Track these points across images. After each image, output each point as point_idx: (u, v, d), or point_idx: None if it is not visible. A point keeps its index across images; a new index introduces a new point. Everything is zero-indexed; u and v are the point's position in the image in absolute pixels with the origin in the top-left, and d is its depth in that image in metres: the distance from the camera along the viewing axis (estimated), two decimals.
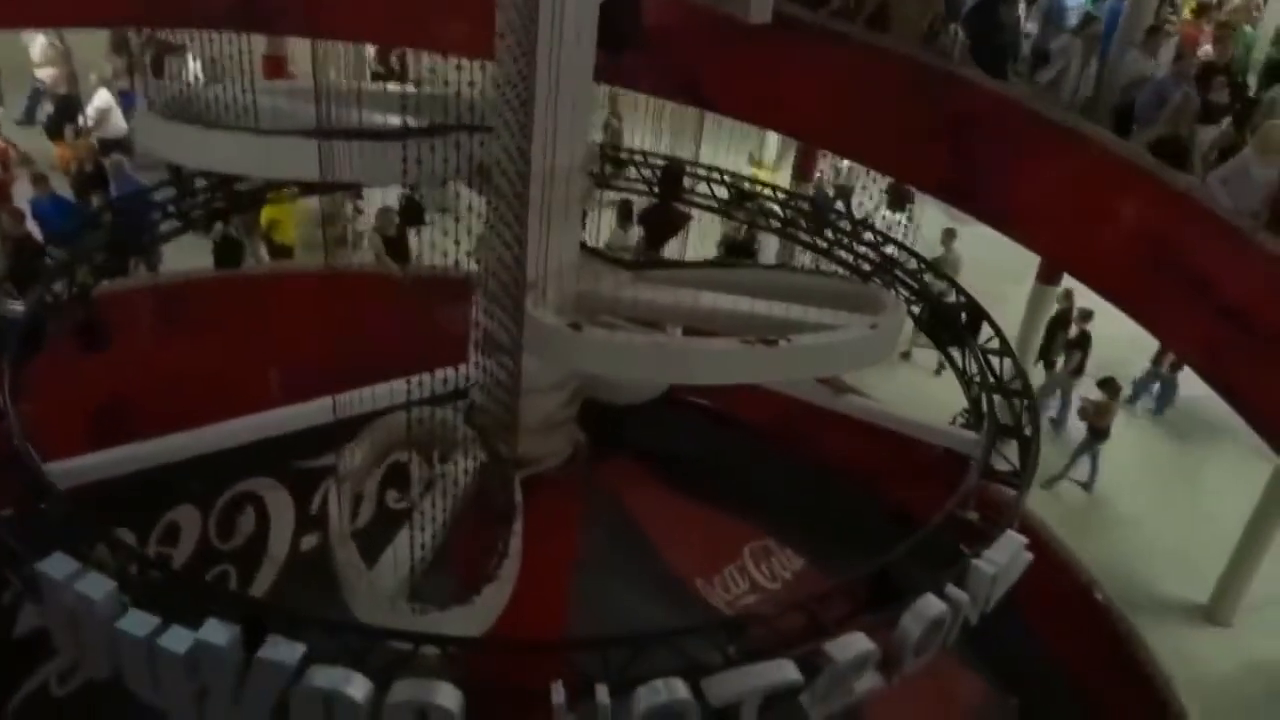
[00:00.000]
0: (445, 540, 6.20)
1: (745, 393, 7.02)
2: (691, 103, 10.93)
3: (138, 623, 4.03)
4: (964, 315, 7.21)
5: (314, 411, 6.47)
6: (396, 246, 12.16)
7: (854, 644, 4.72)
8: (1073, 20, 9.39)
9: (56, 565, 4.08)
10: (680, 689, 4.41)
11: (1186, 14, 10.24)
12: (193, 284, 10.21)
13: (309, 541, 10.61)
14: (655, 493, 10.85)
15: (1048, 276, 11.68)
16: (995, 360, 6.84)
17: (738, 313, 6.28)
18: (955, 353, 6.96)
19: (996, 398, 6.51)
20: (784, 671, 4.57)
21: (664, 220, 8.91)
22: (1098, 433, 12.51)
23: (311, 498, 10.63)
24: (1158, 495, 12.39)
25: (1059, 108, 8.42)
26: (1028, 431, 6.27)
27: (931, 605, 4.94)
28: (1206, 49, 8.86)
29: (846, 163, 15.75)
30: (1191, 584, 10.75)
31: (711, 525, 11.08)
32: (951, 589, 5.06)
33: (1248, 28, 9.76)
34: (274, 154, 5.70)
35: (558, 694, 4.28)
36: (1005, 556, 5.30)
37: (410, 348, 8.88)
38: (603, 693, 4.30)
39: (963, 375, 6.97)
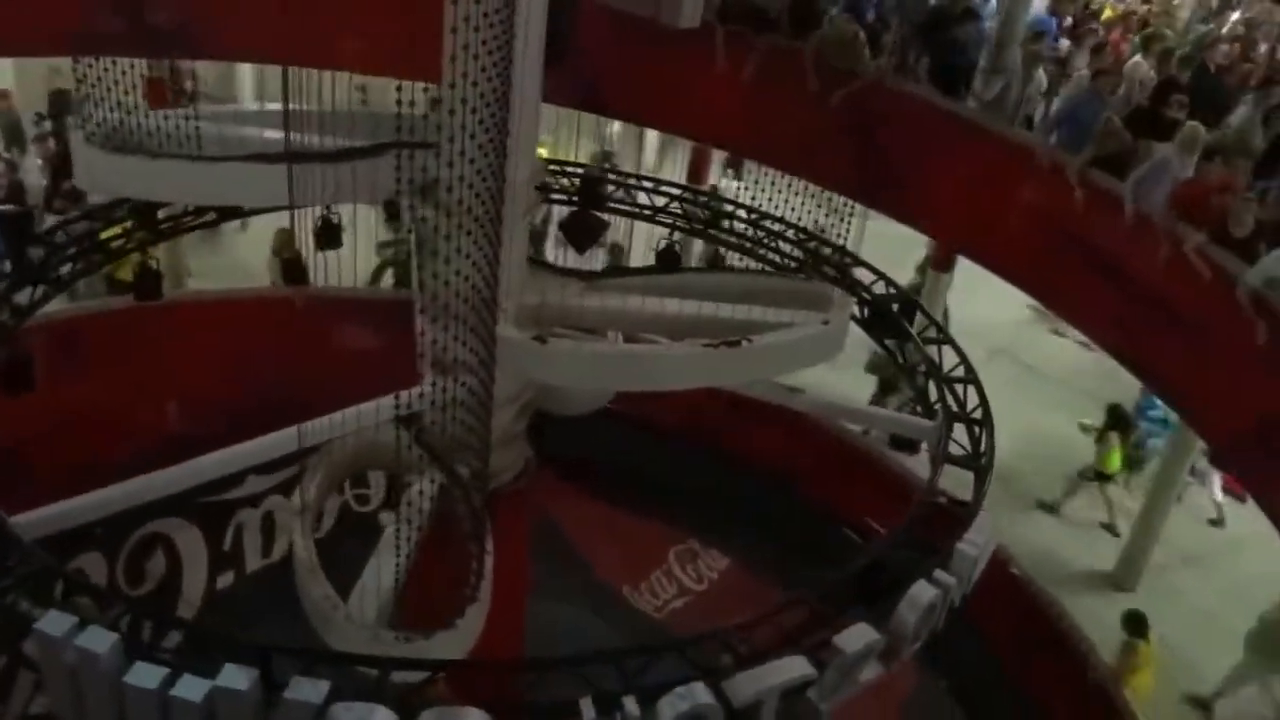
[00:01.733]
0: (414, 564, 6.03)
1: (655, 396, 7.03)
2: (591, 109, 10.89)
3: (146, 675, 3.79)
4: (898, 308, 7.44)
5: (266, 446, 6.17)
6: (294, 270, 11.70)
7: (861, 634, 4.79)
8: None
9: (53, 623, 3.79)
10: (703, 693, 4.40)
11: (1109, 12, 10.78)
12: (86, 319, 9.67)
13: (225, 579, 10.17)
14: (577, 502, 10.78)
15: (942, 265, 12.11)
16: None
17: (696, 317, 6.31)
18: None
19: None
20: (800, 667, 4.61)
21: (584, 227, 8.90)
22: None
23: (224, 533, 10.20)
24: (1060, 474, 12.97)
25: (1004, 121, 8.73)
26: (978, 415, 6.48)
27: (925, 591, 5.05)
28: (1137, 60, 9.31)
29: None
30: (1097, 555, 11.29)
31: (635, 531, 11.10)
32: (940, 574, 5.18)
33: (1167, 30, 10.35)
34: (237, 180, 5.48)
35: (588, 709, 4.21)
36: (983, 536, 5.46)
37: (332, 372, 8.65)
38: (631, 704, 4.25)
39: (905, 366, 7.17)
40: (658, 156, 15.63)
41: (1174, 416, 12.61)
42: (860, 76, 8.64)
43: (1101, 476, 12.28)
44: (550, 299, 6.32)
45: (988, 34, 8.89)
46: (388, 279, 14.49)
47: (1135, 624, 10.24)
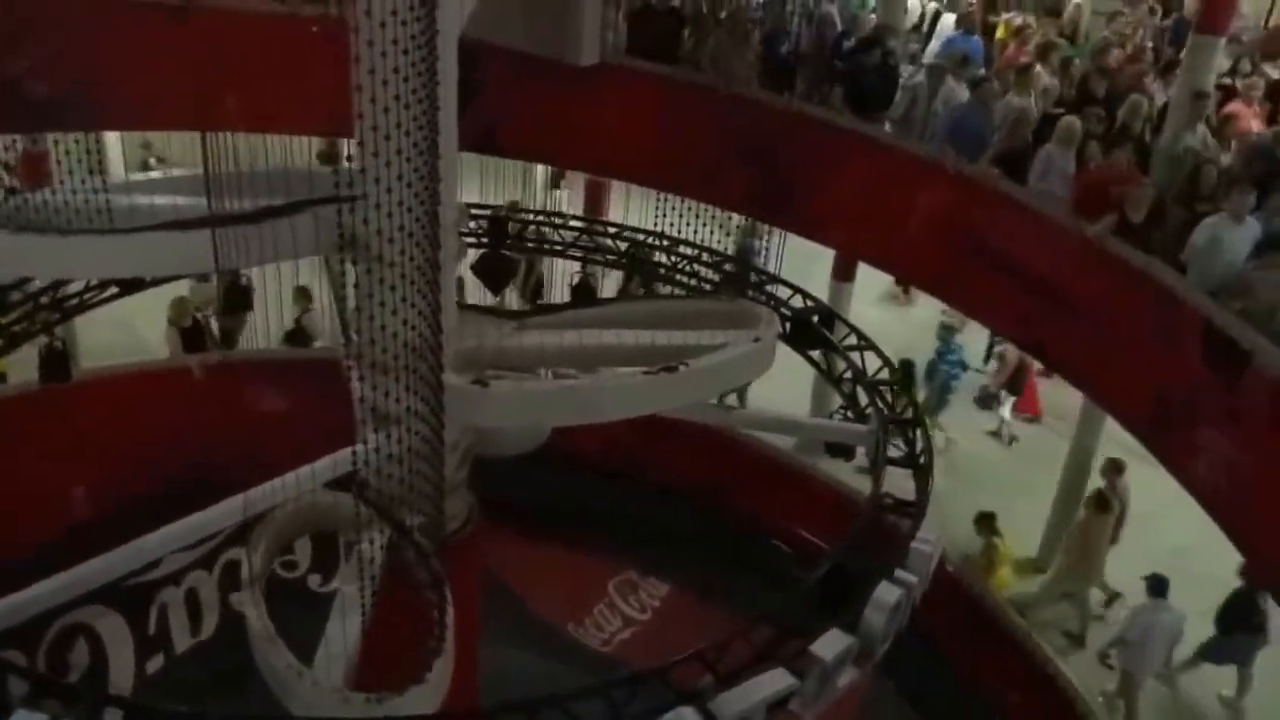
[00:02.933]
0: (372, 622, 5.93)
1: (572, 428, 7.08)
2: (486, 151, 10.91)
3: None
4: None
5: (204, 522, 5.98)
6: (194, 337, 11.46)
7: (836, 640, 4.89)
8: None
9: None
10: (692, 716, 4.43)
11: (1001, 32, 11.27)
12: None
13: (154, 663, 9.78)
14: (510, 544, 10.69)
15: (843, 274, 12.44)
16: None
17: (630, 346, 6.37)
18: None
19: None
20: (781, 680, 4.68)
21: (497, 268, 8.92)
22: None
23: (147, 616, 9.82)
24: (983, 471, 13.48)
25: (912, 140, 9.05)
26: (910, 415, 6.68)
27: (890, 591, 5.18)
28: (1036, 69, 9.78)
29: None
30: (1019, 541, 11.66)
31: (571, 567, 11.05)
32: (900, 573, 5.32)
33: (1065, 42, 10.89)
34: (153, 250, 5.35)
35: None
36: (935, 534, 5.63)
37: (259, 437, 8.45)
38: None
39: (831, 375, 7.35)
40: (546, 192, 15.69)
41: (972, 358, 14.52)
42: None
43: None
44: (485, 341, 6.30)
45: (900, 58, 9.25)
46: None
47: (988, 522, 11.14)
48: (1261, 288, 6.89)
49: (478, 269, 8.73)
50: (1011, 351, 14.02)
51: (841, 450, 7.26)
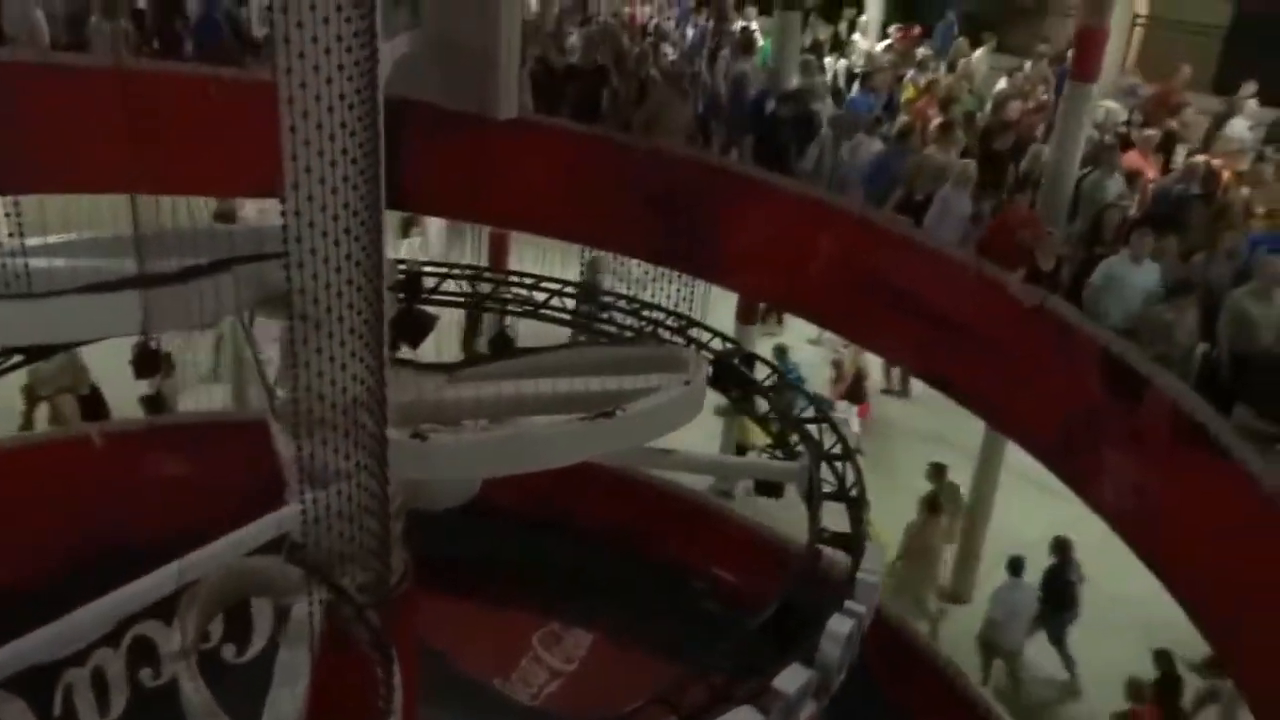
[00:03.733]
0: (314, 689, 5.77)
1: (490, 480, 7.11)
2: (394, 207, 10.87)
3: None
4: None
5: (132, 595, 5.74)
6: (93, 405, 11.02)
7: (797, 675, 4.96)
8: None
9: None
10: None
11: (910, 92, 11.76)
12: None
13: None
14: (429, 602, 10.52)
15: (746, 317, 12.68)
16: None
17: (564, 394, 6.40)
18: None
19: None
20: (748, 717, 4.72)
21: (414, 323, 8.86)
22: None
23: (51, 699, 9.27)
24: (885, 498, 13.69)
25: (820, 189, 9.35)
26: (839, 450, 6.84)
27: (842, 623, 5.27)
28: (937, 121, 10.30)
29: None
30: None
31: (493, 622, 10.90)
32: (850, 603, 5.43)
33: (967, 95, 11.41)
34: (75, 314, 5.18)
35: None
36: (877, 564, 5.77)
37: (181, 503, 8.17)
38: None
39: (756, 415, 7.48)
40: (444, 244, 15.65)
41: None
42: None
43: (741, 449, 12.88)
44: (420, 395, 6.25)
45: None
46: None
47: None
48: (1179, 330, 7.26)
49: (395, 324, 8.67)
50: (848, 362, 14.24)
51: (770, 489, 7.38)
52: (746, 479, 7.59)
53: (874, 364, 14.85)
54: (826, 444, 6.99)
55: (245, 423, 11.42)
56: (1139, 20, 16.68)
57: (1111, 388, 7.99)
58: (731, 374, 7.70)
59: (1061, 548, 10.89)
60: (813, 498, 6.42)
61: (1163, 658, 9.68)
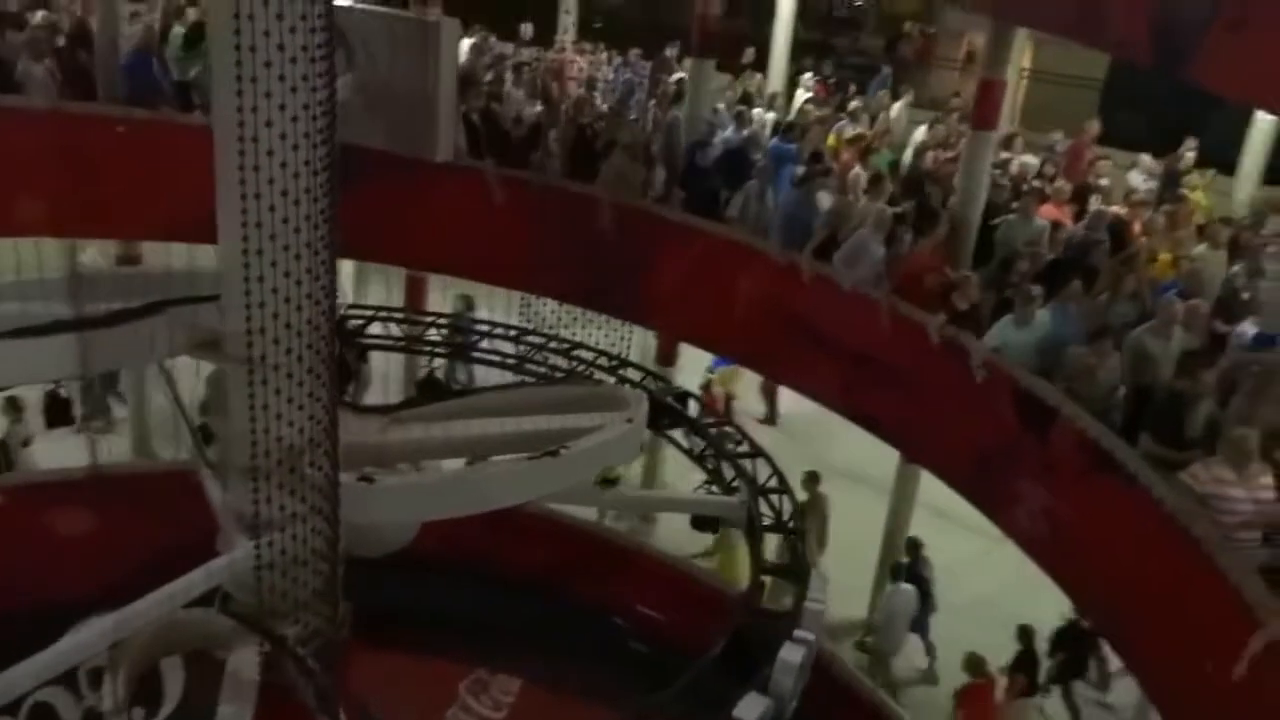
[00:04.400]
0: None
1: None
2: None
3: None
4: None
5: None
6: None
7: (755, 704, 5.04)
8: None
9: None
10: None
11: (832, 141, 12.11)
12: None
13: None
14: (353, 654, 10.30)
15: (665, 359, 12.84)
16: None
17: (512, 434, 6.43)
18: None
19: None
20: None
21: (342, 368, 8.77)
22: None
23: None
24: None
25: (747, 233, 9.62)
26: (776, 483, 7.00)
27: (794, 652, 5.38)
28: (857, 170, 10.68)
29: None
30: (851, 604, 12.17)
31: (417, 672, 10.68)
32: (800, 632, 5.55)
33: (886, 150, 11.84)
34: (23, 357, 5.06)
35: None
36: (821, 591, 5.91)
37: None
38: None
39: (692, 453, 7.61)
40: (355, 284, 15.49)
41: None
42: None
43: (608, 482, 13.12)
44: (364, 438, 6.21)
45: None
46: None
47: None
48: (1103, 372, 7.62)
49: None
50: (716, 387, 14.31)
51: (707, 523, 7.50)
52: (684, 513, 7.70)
53: (748, 390, 15.07)
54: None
55: (147, 474, 11.16)
56: (1023, 73, 17.57)
57: (1023, 420, 8.35)
58: (667, 412, 7.82)
59: (914, 547, 11.38)
60: (753, 531, 6.54)
61: (1024, 634, 10.34)
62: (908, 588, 11.22)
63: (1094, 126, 12.83)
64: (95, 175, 9.09)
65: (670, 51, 13.96)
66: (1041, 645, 10.49)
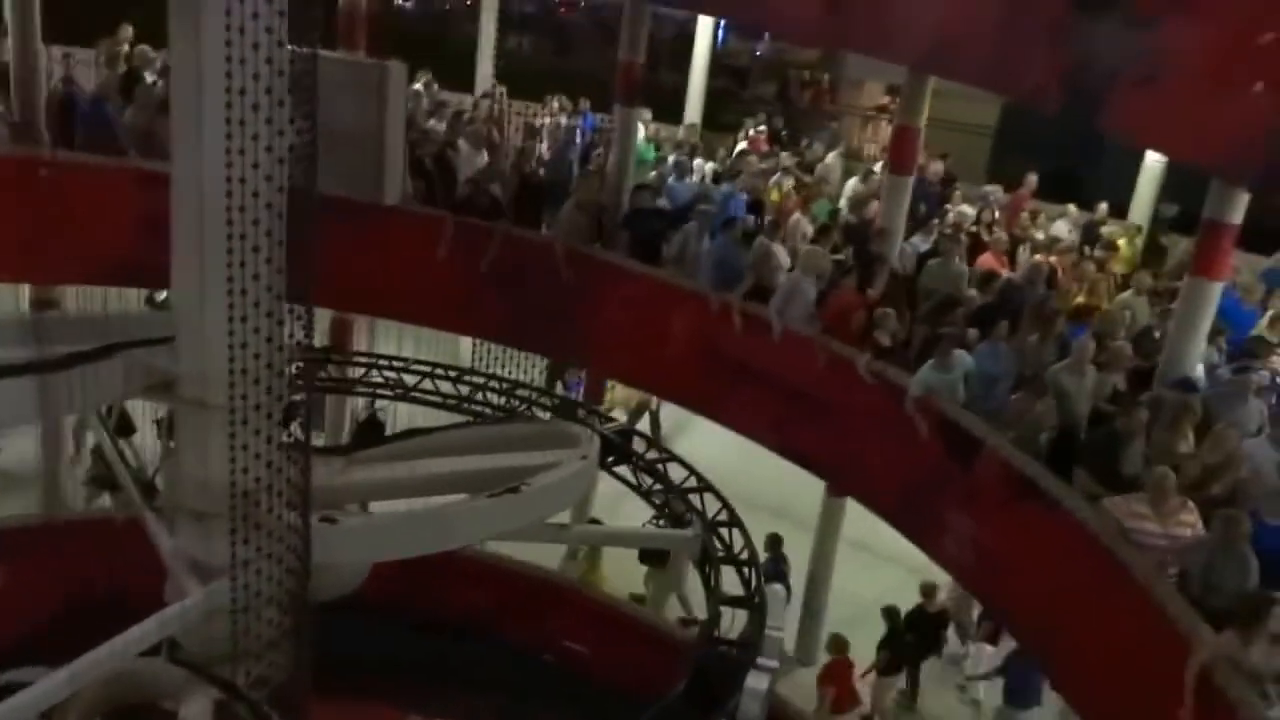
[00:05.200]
0: None
1: None
2: None
3: None
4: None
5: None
6: None
7: None
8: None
9: None
10: None
11: (775, 195, 12.41)
12: None
13: None
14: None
15: (596, 397, 12.95)
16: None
17: (470, 471, 6.47)
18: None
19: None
20: None
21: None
22: None
23: None
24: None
25: (684, 276, 9.88)
26: (725, 517, 7.16)
27: (759, 679, 5.53)
28: (797, 216, 11.11)
29: None
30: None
31: (357, 718, 10.50)
32: (763, 660, 5.70)
33: (824, 200, 12.20)
34: None
35: None
36: (780, 621, 6.08)
37: None
38: None
39: (640, 489, 7.73)
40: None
41: None
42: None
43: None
44: (326, 480, 6.18)
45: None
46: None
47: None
48: (1044, 413, 7.97)
49: None
50: (619, 391, 14.42)
51: (656, 556, 7.61)
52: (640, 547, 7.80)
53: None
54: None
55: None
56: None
57: (949, 450, 8.69)
58: (615, 450, 7.92)
59: (774, 544, 11.64)
60: (708, 563, 6.69)
61: (890, 614, 10.99)
62: (777, 587, 11.36)
63: (1032, 180, 13.49)
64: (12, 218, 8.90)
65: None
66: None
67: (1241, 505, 6.62)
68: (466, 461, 6.59)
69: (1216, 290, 8.77)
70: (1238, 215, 8.43)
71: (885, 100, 24.32)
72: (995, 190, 13.23)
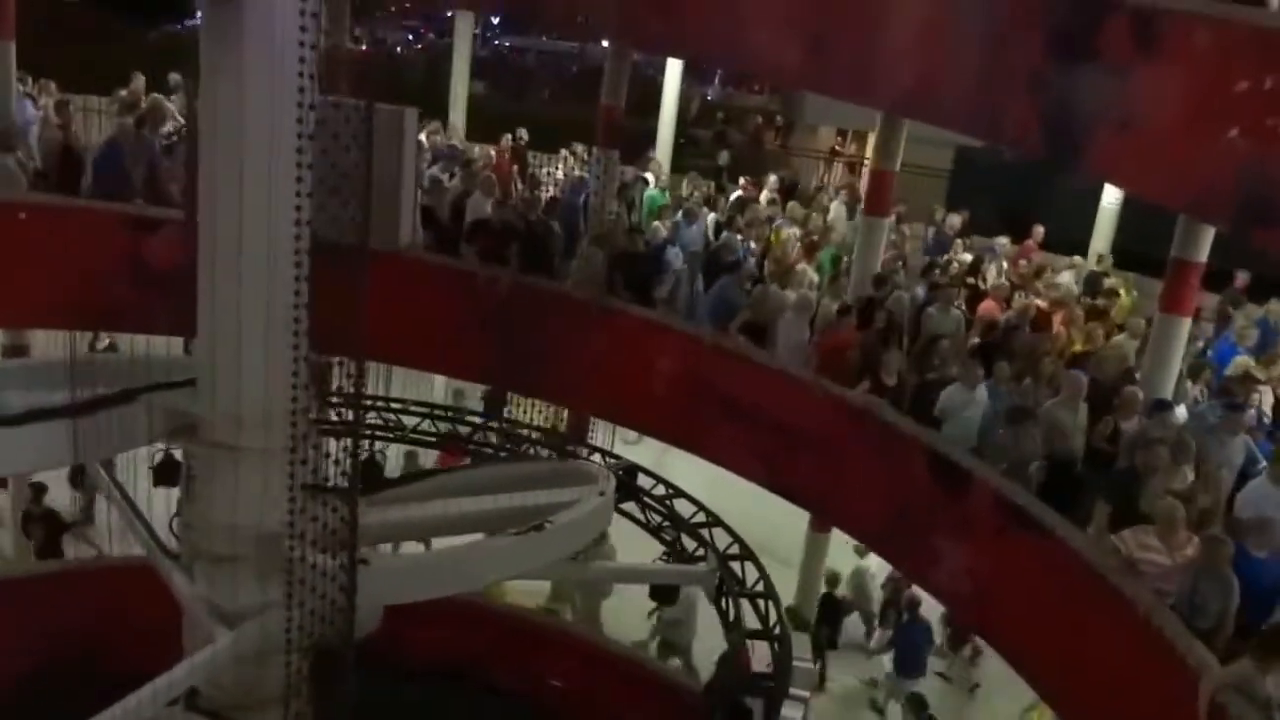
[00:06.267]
0: None
1: None
2: None
3: None
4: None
5: None
6: None
7: None
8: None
9: None
10: None
11: (774, 239, 12.69)
12: None
13: None
14: None
15: (579, 437, 12.99)
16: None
17: (491, 510, 6.53)
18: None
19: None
20: None
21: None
22: None
23: None
24: None
25: (676, 317, 10.07)
26: (737, 550, 7.29)
27: (794, 709, 5.65)
28: (803, 265, 11.26)
29: None
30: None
31: None
32: (795, 690, 5.82)
33: (830, 247, 12.34)
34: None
35: None
36: (807, 651, 6.20)
37: None
38: None
39: (649, 526, 7.82)
40: None
41: None
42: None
43: None
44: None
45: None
46: None
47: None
48: (1025, 447, 8.21)
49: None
50: None
51: (665, 593, 7.70)
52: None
53: None
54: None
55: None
56: None
57: (938, 481, 8.89)
58: (622, 487, 8.00)
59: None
60: (726, 594, 6.79)
61: (792, 613, 10.68)
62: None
63: (1038, 231, 13.98)
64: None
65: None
66: None
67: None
68: (484, 501, 6.63)
69: (1185, 325, 9.20)
70: (1203, 254, 8.91)
71: (836, 143, 25.07)
72: (1002, 241, 13.60)
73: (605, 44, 11.76)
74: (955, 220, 13.86)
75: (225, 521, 5.85)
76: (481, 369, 10.26)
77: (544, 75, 37.44)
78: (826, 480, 9.76)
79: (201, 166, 5.59)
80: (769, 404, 9.67)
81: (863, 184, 17.54)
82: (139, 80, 12.22)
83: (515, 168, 13.85)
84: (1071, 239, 14.52)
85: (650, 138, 16.17)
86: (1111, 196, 13.61)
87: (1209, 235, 8.72)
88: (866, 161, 21.49)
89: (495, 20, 33.81)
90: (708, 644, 10.92)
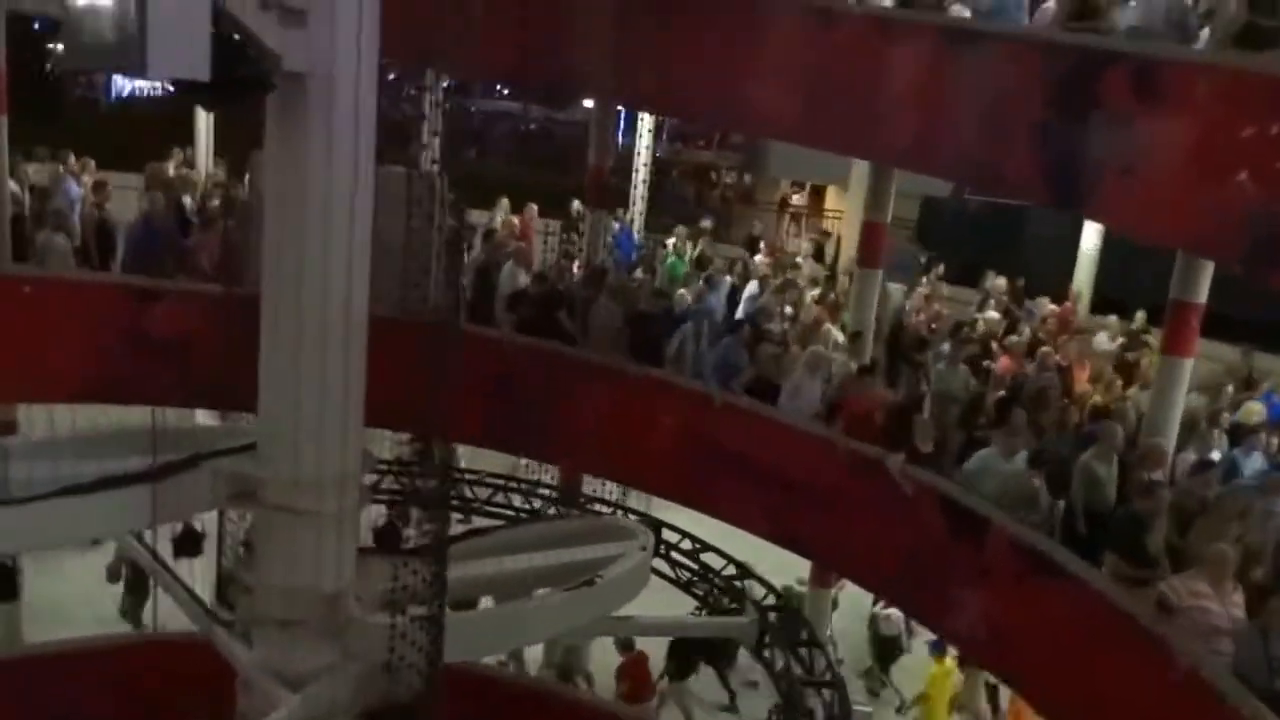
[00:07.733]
0: None
1: None
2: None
3: None
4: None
5: None
6: None
7: None
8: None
9: None
10: None
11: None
12: None
13: None
14: None
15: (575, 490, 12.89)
16: None
17: (542, 567, 6.49)
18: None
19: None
20: None
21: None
22: None
23: None
24: None
25: (684, 377, 10.04)
26: (768, 600, 7.26)
27: None
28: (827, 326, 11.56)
29: None
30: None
31: None
32: None
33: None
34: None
35: None
36: (862, 695, 6.19)
37: None
38: None
39: (680, 582, 7.79)
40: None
41: None
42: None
43: None
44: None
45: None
46: None
47: None
48: (1043, 496, 8.37)
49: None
50: None
51: (706, 648, 7.63)
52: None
53: None
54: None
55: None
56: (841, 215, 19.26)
57: (954, 530, 8.91)
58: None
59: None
60: (768, 643, 6.77)
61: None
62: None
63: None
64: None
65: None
66: None
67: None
68: (532, 559, 6.58)
69: (1188, 367, 9.37)
70: (1202, 295, 9.11)
71: (788, 193, 25.45)
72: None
73: (560, 105, 12.10)
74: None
75: (286, 584, 5.76)
76: (484, 431, 10.12)
77: (494, 135, 37.62)
78: (832, 540, 9.62)
79: (266, 239, 5.64)
80: (779, 460, 9.61)
81: (841, 235, 17.99)
82: (177, 155, 12.82)
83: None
84: (1043, 285, 14.87)
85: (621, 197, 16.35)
86: (1090, 241, 13.93)
87: (1208, 276, 8.93)
88: (831, 214, 21.98)
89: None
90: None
